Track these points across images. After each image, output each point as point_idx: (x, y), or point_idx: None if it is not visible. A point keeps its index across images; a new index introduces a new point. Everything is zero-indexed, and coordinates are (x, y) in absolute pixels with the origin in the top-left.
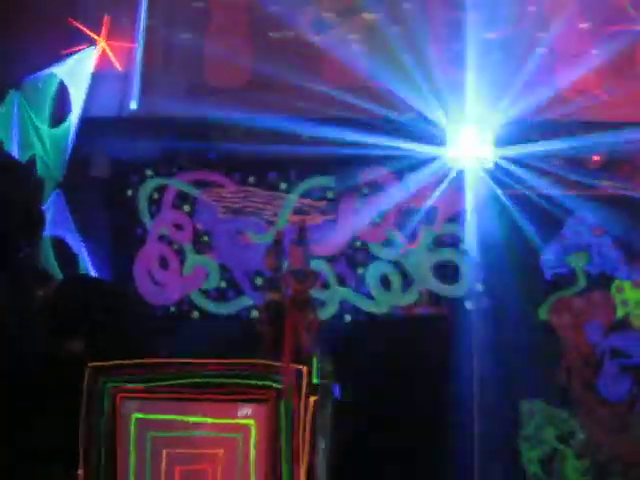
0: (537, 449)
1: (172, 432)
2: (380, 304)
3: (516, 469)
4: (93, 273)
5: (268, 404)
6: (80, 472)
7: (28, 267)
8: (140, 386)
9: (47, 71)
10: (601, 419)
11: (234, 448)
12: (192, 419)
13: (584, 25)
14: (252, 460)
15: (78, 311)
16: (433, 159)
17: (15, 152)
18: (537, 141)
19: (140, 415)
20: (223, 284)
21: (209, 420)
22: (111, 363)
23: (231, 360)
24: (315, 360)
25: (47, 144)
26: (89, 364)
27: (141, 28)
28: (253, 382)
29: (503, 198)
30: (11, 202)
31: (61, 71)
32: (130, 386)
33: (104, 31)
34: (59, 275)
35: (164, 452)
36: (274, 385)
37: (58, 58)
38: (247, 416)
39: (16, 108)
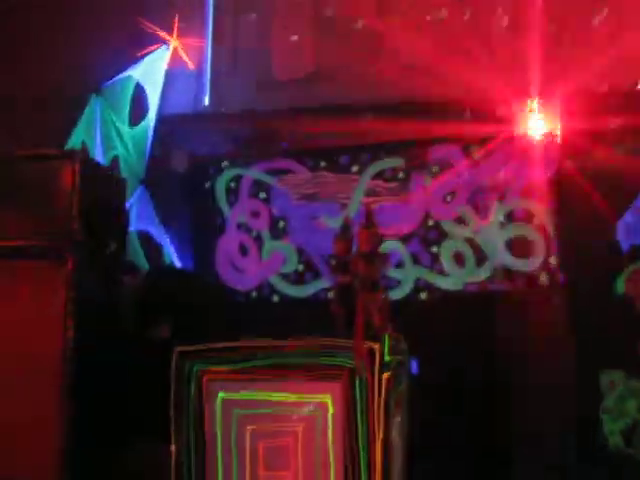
0: (619, 421)
1: (255, 410)
2: (454, 281)
3: (598, 440)
4: (177, 263)
5: (343, 381)
6: (173, 447)
7: (117, 261)
8: (225, 368)
9: (125, 74)
10: None
11: (313, 424)
12: (273, 397)
13: None
14: (330, 435)
15: (165, 298)
16: (498, 134)
17: (99, 154)
18: (605, 112)
19: (225, 395)
20: (300, 268)
21: (289, 397)
22: (197, 347)
23: (308, 340)
24: (387, 338)
25: (128, 144)
26: (177, 348)
27: (210, 26)
28: (329, 361)
29: (577, 169)
30: (97, 203)
31: (137, 72)
32: (215, 368)
33: (175, 30)
34: (146, 266)
35: (248, 429)
36: (348, 363)
37: (133, 60)
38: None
39: (98, 112)
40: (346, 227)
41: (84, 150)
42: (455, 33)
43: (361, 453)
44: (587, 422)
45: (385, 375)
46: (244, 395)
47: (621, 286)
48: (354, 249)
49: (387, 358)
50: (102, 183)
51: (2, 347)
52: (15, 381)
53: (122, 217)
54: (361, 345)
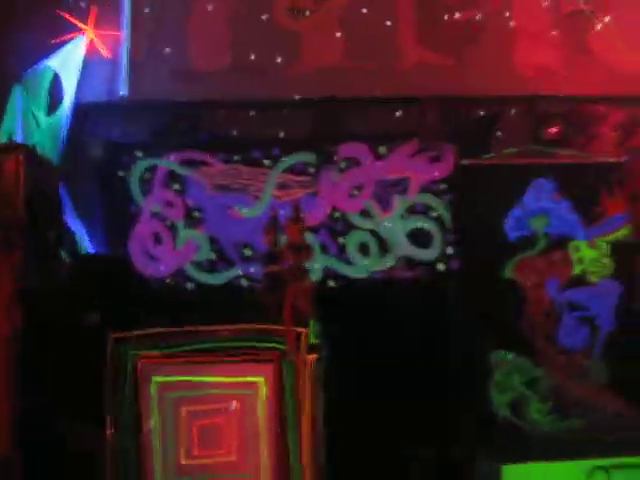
0: (506, 394)
1: (189, 392)
2: (360, 270)
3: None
4: (91, 251)
5: (274, 363)
6: (109, 431)
7: (57, 249)
8: (158, 352)
9: (43, 63)
10: (562, 366)
11: (245, 403)
12: (207, 379)
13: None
14: (262, 414)
15: (90, 287)
16: (401, 133)
17: (19, 140)
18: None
19: (160, 378)
20: (213, 256)
21: (222, 379)
22: (131, 333)
23: (238, 326)
24: (312, 323)
25: (45, 132)
26: (111, 334)
27: (127, 15)
28: (259, 344)
29: (470, 168)
30: (40, 193)
31: (54, 62)
32: (149, 352)
33: (91, 20)
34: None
35: (183, 410)
36: (278, 346)
37: (50, 49)
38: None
39: (19, 101)
40: (274, 219)
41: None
42: (363, 30)
43: (291, 429)
44: (479, 396)
45: (311, 356)
46: (178, 378)
47: (509, 273)
48: (282, 240)
49: (313, 341)
50: (42, 174)
51: None
52: None
53: (59, 206)
54: (290, 329)
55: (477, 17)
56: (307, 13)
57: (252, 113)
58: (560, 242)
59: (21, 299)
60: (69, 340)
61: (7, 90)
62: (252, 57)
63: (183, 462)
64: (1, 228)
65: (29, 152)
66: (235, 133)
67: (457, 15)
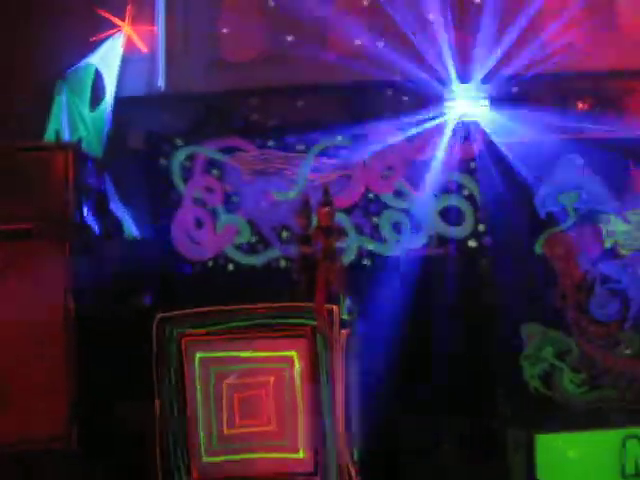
0: (537, 366)
1: (230, 366)
2: (394, 248)
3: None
4: (137, 237)
5: (307, 338)
6: (157, 402)
7: (104, 238)
8: (201, 330)
9: (85, 61)
10: (593, 337)
11: (282, 376)
12: (246, 354)
13: None
14: (298, 385)
15: (138, 271)
16: (435, 116)
17: (66, 136)
18: (529, 94)
19: (202, 354)
20: (253, 239)
21: (260, 354)
22: (175, 313)
23: (274, 304)
24: (343, 300)
25: (89, 126)
26: (157, 315)
27: (162, 10)
28: (293, 321)
29: (500, 146)
30: (87, 188)
31: (95, 59)
32: (193, 331)
33: (128, 17)
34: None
35: (224, 383)
36: (311, 322)
37: (91, 46)
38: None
39: (64, 97)
40: (305, 203)
41: (79, 142)
42: (391, 19)
43: (325, 399)
44: (510, 369)
45: (343, 331)
46: (219, 354)
47: (539, 248)
48: (313, 223)
49: (344, 317)
50: (89, 169)
51: (13, 317)
52: (25, 347)
53: (105, 199)
54: (322, 306)
55: None
56: None
57: (284, 100)
58: (590, 216)
59: (74, 286)
60: (120, 321)
61: (52, 89)
62: (282, 46)
63: (226, 432)
64: (53, 222)
65: (77, 149)
66: (268, 120)
67: None
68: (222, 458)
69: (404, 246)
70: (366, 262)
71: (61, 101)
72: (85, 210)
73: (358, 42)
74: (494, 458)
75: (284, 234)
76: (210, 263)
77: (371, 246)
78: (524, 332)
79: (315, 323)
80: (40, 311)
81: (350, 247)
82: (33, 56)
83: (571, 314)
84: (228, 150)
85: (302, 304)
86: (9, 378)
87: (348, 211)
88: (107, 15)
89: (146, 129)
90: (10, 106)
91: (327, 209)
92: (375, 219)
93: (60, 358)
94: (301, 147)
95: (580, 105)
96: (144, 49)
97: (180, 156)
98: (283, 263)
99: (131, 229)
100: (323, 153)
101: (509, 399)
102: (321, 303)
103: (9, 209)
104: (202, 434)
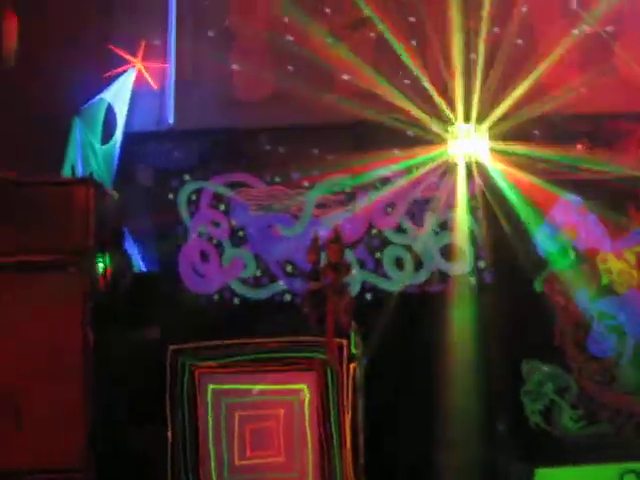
0: (537, 402)
1: (242, 398)
2: (396, 283)
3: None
4: (144, 269)
5: (317, 372)
6: (169, 434)
7: (120, 270)
8: (213, 363)
9: (98, 96)
10: (591, 373)
11: (292, 408)
12: (257, 387)
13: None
14: (307, 417)
15: (147, 304)
16: (437, 154)
17: (80, 171)
18: (526, 134)
19: (215, 386)
20: (258, 272)
21: (270, 387)
22: (187, 345)
23: (284, 338)
24: (353, 334)
25: (100, 160)
26: (170, 346)
27: (172, 49)
28: (304, 354)
29: (499, 185)
30: (105, 221)
31: (108, 94)
32: (205, 363)
33: (140, 54)
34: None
35: (236, 415)
36: (320, 356)
37: (103, 81)
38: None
39: (78, 132)
40: (315, 240)
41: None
42: (395, 59)
43: (334, 431)
44: (511, 405)
45: (352, 365)
46: (231, 386)
47: (539, 286)
48: (323, 260)
49: (353, 351)
50: (107, 203)
51: (33, 346)
52: (45, 374)
53: (121, 232)
54: (332, 340)
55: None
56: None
57: (290, 137)
58: (588, 255)
59: (92, 314)
60: (133, 352)
61: (69, 123)
62: (290, 86)
63: (237, 462)
64: (74, 254)
65: (97, 184)
66: (275, 156)
67: None
68: None
69: (406, 281)
70: (369, 297)
71: (76, 136)
72: (103, 242)
73: (364, 83)
74: None
75: (289, 268)
76: (216, 296)
77: (374, 281)
78: (524, 368)
79: (324, 357)
80: (60, 341)
81: (354, 282)
82: (51, 90)
83: (570, 351)
84: (235, 185)
85: (312, 338)
86: (26, 406)
87: (352, 246)
88: (120, 52)
89: (154, 164)
90: (28, 139)
91: (337, 245)
92: (378, 254)
93: (78, 388)
94: (306, 183)
95: (578, 146)
96: (154, 85)
97: (187, 190)
98: (288, 297)
99: (138, 262)
100: (328, 189)
101: (510, 434)
102: (331, 337)
103: (31, 241)
104: (214, 464)
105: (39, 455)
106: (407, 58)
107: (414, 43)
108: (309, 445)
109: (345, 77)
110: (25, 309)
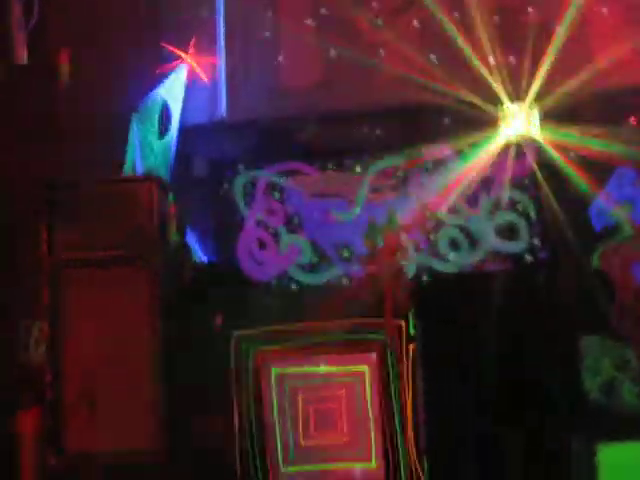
0: (597, 378)
1: (304, 381)
2: (452, 264)
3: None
4: (204, 260)
5: (377, 353)
6: (235, 419)
7: (184, 262)
8: (276, 347)
9: (153, 92)
10: None
11: (353, 389)
12: (319, 369)
13: None
14: (368, 398)
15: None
16: (488, 135)
17: (139, 166)
18: (580, 110)
19: (278, 370)
20: (315, 258)
21: (332, 369)
22: (251, 331)
23: (345, 321)
24: (410, 315)
25: (157, 155)
26: (235, 332)
27: (222, 42)
28: (364, 337)
29: (553, 162)
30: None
31: (162, 90)
32: (268, 347)
33: (191, 49)
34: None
35: (300, 397)
36: (381, 338)
37: (157, 78)
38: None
39: (136, 129)
40: (372, 225)
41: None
42: (444, 40)
43: (395, 411)
44: (571, 381)
45: (411, 346)
46: (294, 369)
47: (596, 262)
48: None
49: (411, 332)
50: (168, 198)
51: (106, 335)
52: (118, 361)
53: (182, 225)
54: (391, 323)
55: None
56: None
57: (341, 124)
58: None
59: (159, 308)
60: (197, 340)
61: (126, 121)
62: (339, 70)
63: (302, 443)
64: (140, 249)
65: (160, 182)
66: (327, 143)
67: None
68: (299, 468)
69: (461, 262)
70: (425, 279)
71: (134, 133)
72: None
73: (411, 66)
74: (556, 470)
75: (345, 253)
76: (274, 283)
77: (429, 262)
78: (583, 345)
79: (385, 338)
80: (131, 330)
81: (410, 264)
82: (112, 88)
83: (629, 325)
84: (289, 173)
85: (371, 320)
86: (99, 393)
87: (407, 229)
88: (171, 48)
89: (209, 155)
90: (92, 138)
91: (392, 229)
92: (432, 236)
93: (149, 374)
94: (359, 169)
95: (632, 119)
96: (206, 79)
97: (242, 180)
98: (345, 281)
99: (197, 253)
100: (380, 174)
101: (570, 411)
102: (390, 319)
103: (103, 238)
104: (280, 447)
105: (116, 438)
106: (455, 38)
107: (460, 21)
108: (371, 425)
109: (393, 61)
110: (99, 301)
